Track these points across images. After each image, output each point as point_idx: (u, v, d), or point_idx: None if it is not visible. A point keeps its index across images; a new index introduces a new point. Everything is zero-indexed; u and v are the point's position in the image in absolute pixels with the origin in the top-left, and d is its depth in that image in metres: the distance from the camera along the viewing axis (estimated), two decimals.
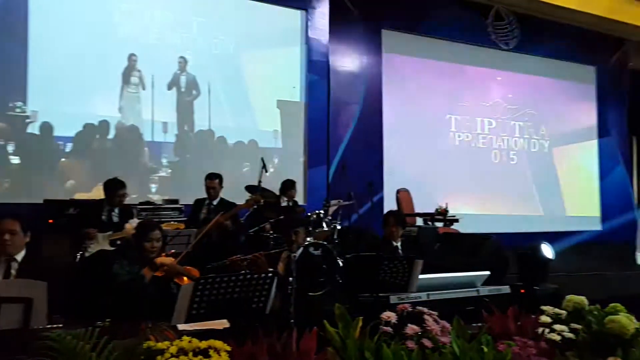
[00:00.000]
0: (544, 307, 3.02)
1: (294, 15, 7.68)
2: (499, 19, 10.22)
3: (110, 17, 5.92)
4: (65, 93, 5.73)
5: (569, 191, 10.76)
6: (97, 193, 5.14)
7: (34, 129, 5.62)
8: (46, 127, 5.68)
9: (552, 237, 7.29)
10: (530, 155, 10.60)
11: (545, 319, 2.97)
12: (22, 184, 5.51)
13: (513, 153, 10.43)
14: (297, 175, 6.70)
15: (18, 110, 5.58)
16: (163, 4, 6.19)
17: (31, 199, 5.48)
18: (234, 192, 5.40)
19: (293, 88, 7.18)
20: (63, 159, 5.74)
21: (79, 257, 4.97)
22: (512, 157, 10.40)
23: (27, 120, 5.60)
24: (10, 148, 5.50)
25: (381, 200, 8.30)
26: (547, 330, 2.92)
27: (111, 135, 6.00)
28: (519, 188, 10.24)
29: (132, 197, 5.93)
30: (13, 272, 3.18)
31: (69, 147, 5.77)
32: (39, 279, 2.76)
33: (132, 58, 6.12)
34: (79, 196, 5.68)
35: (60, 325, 2.82)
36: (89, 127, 5.89)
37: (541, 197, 10.44)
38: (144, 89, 6.29)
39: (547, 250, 5.79)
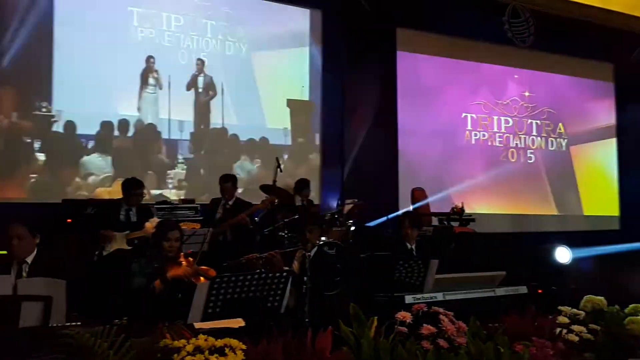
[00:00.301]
0: (561, 308, 2.99)
1: (308, 15, 7.78)
2: (516, 16, 10.11)
3: (129, 21, 6.27)
4: (88, 94, 6.04)
5: (588, 190, 10.60)
6: (118, 188, 5.37)
7: (58, 127, 5.94)
8: (70, 126, 5.99)
9: (569, 237, 7.21)
10: (548, 154, 10.46)
11: (563, 319, 2.94)
12: (48, 179, 5.84)
13: (530, 152, 10.30)
14: (306, 171, 6.84)
15: (44, 110, 5.88)
16: (178, 9, 6.51)
17: (55, 194, 5.76)
18: (247, 188, 5.65)
19: (302, 87, 7.42)
20: (85, 156, 6.06)
21: (96, 256, 5.04)
22: (529, 156, 10.28)
23: (52, 120, 5.91)
24: (37, 145, 5.81)
25: (396, 201, 8.26)
26: (564, 330, 2.89)
27: (130, 133, 6.31)
28: (537, 187, 10.12)
29: (152, 193, 6.19)
30: (24, 274, 3.28)
31: (91, 144, 6.09)
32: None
33: (149, 60, 6.42)
34: (100, 191, 6.01)
35: (79, 323, 2.86)
36: (110, 125, 6.19)
37: (559, 197, 10.31)
38: (161, 89, 6.56)
39: (563, 255, 5.71)
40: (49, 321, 2.56)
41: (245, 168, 6.86)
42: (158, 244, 3.48)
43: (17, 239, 3.29)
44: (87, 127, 6.05)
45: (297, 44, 7.38)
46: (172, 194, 6.36)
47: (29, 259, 3.33)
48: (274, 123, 7.17)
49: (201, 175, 6.59)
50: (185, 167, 6.58)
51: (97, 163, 6.09)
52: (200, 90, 6.76)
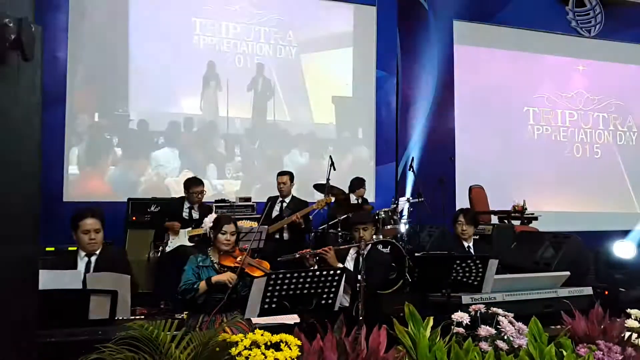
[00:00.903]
0: (630, 311, 2.84)
1: (352, 17, 8.09)
2: (581, 5, 9.63)
3: (192, 31, 6.99)
4: (158, 96, 6.81)
5: None
6: (184, 178, 6.12)
7: (133, 125, 6.75)
8: (143, 124, 6.77)
9: None
10: (617, 148, 9.92)
11: (632, 323, 2.79)
12: (124, 170, 6.67)
13: (597, 146, 9.80)
14: (351, 163, 7.24)
15: (121, 110, 6.72)
16: (234, 18, 7.19)
17: (130, 183, 6.64)
18: (297, 178, 6.06)
19: (346, 85, 7.93)
20: (156, 150, 6.83)
21: (159, 252, 5.26)
22: (596, 151, 9.79)
23: (128, 119, 6.72)
24: (115, 141, 6.64)
25: (453, 197, 8.09)
26: (634, 335, 2.74)
27: (194, 130, 7.01)
28: (604, 183, 9.61)
29: (212, 182, 6.88)
30: (91, 268, 3.37)
31: (161, 140, 6.86)
32: (114, 271, 2.94)
33: (210, 64, 7.08)
34: (169, 181, 6.80)
35: (142, 317, 3.00)
36: (176, 123, 6.93)
37: (629, 194, 9.75)
38: (220, 90, 7.17)
39: (625, 249, 5.37)
40: (115, 314, 2.69)
41: (294, 160, 7.42)
42: (215, 238, 3.58)
43: (95, 232, 3.35)
44: (158, 124, 6.82)
45: (341, 44, 7.92)
46: (230, 183, 7.03)
47: (97, 253, 3.41)
48: (321, 118, 7.72)
49: (255, 166, 7.23)
50: (241, 159, 7.22)
51: (166, 156, 6.83)
52: (258, 90, 7.36)
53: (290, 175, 6.05)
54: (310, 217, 6.07)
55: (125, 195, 6.34)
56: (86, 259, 3.38)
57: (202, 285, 3.36)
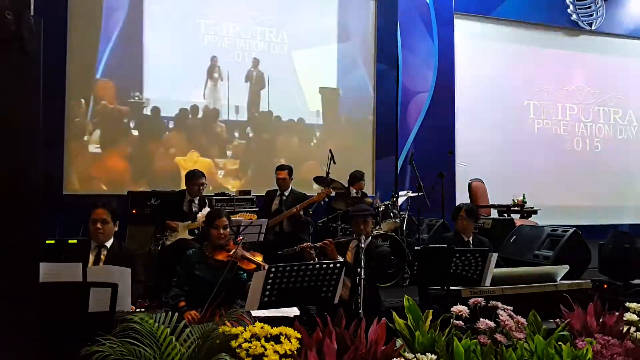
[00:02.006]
0: (629, 304, 2.84)
1: (336, 17, 8.55)
2: None
3: (198, 29, 7.86)
4: (168, 85, 7.63)
5: None
6: (191, 157, 7.44)
7: (147, 111, 7.56)
8: (155, 110, 7.58)
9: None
10: (617, 142, 9.92)
11: (631, 316, 2.80)
12: (140, 150, 7.47)
13: (597, 140, 9.81)
14: (335, 145, 7.28)
15: (137, 98, 7.49)
16: (234, 19, 8.06)
17: (145, 162, 7.44)
18: (288, 161, 6.68)
19: (331, 77, 8.68)
20: (167, 133, 7.69)
21: (160, 245, 5.26)
22: (596, 145, 9.79)
23: (143, 105, 7.54)
24: (132, 124, 7.49)
25: (453, 191, 8.10)
26: (633, 328, 2.75)
27: (199, 116, 7.84)
28: (604, 177, 9.62)
29: (216, 161, 7.77)
30: (102, 258, 3.38)
31: (171, 124, 7.72)
32: (125, 266, 2.94)
33: (213, 59, 7.92)
34: (178, 160, 7.64)
35: (143, 310, 3.00)
36: (184, 110, 7.76)
37: (628, 188, 9.76)
38: (222, 81, 7.98)
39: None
40: (115, 307, 2.68)
41: (285, 143, 8.24)
42: (208, 232, 3.58)
43: (102, 223, 3.36)
44: (169, 110, 7.65)
45: (327, 41, 8.68)
46: (230, 162, 7.98)
47: (108, 245, 3.42)
48: (309, 106, 8.48)
49: (252, 148, 8.08)
50: (240, 141, 8.10)
51: (176, 138, 7.72)
52: (254, 82, 8.18)
53: (289, 169, 6.04)
54: (310, 210, 6.07)
55: (138, 177, 7.22)
56: (97, 250, 3.39)
57: (182, 305, 3.36)
